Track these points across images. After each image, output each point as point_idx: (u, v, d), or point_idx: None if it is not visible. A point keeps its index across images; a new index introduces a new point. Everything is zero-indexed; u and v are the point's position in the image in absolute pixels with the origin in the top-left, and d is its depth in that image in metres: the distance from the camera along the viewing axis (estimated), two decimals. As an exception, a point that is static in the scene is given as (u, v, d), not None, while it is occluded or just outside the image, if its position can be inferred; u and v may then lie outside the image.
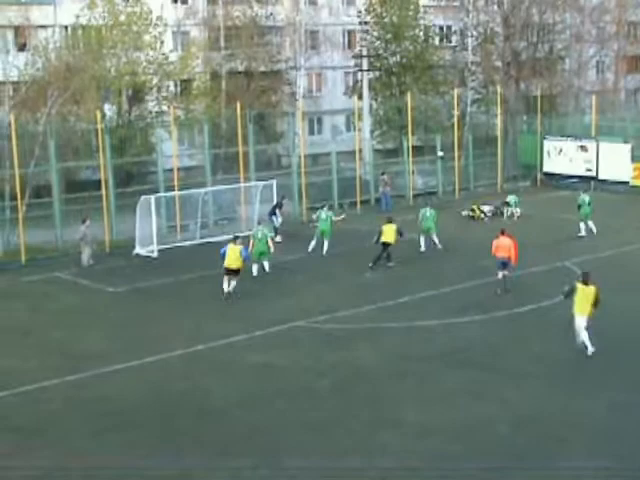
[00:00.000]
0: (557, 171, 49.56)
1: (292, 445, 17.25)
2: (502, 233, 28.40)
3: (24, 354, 23.35)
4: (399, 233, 31.56)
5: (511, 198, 41.85)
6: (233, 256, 27.98)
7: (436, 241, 34.12)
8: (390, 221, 31.92)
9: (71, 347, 23.88)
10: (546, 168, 50.30)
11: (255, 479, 16.11)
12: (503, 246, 27.93)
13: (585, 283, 21.56)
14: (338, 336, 24.09)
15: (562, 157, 49.44)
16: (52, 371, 21.68)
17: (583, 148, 48.53)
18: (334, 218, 34.52)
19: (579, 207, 36.14)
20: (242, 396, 19.89)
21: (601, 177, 47.53)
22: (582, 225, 35.90)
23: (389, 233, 31.41)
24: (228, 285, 28.09)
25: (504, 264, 27.83)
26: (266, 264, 30.95)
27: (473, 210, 41.26)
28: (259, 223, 32.46)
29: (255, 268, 30.62)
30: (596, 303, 21.38)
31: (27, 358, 22.97)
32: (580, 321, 21.51)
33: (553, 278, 28.67)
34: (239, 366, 21.94)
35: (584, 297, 21.41)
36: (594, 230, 35.95)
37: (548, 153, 50.10)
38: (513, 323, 24.77)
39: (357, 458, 16.56)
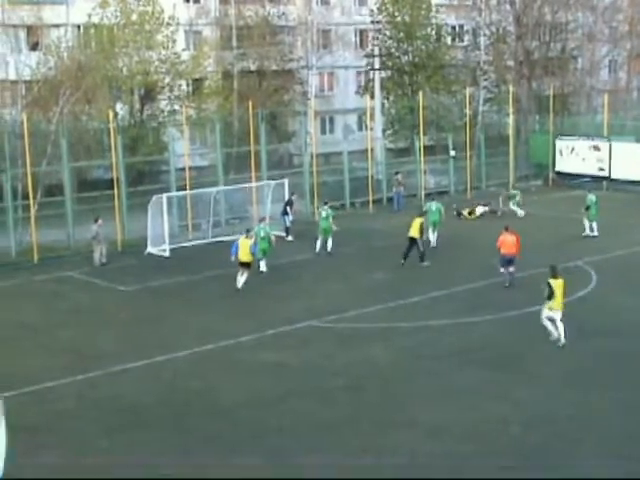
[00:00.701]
0: (569, 170, 49.32)
1: (304, 444, 17.21)
2: (506, 230, 28.65)
3: (35, 353, 23.43)
4: (420, 230, 31.28)
5: (514, 192, 41.84)
6: (244, 250, 28.44)
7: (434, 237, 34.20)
8: (421, 215, 31.88)
9: (82, 346, 23.93)
10: (558, 167, 50.09)
11: (266, 478, 16.11)
12: (507, 243, 28.09)
13: (554, 277, 22.09)
14: (350, 335, 24.07)
15: (574, 156, 49.20)
16: (63, 370, 21.71)
17: (595, 147, 48.30)
18: (330, 220, 34.02)
19: (587, 208, 36.00)
20: (253, 395, 19.88)
21: (614, 176, 47.30)
22: (594, 225, 35.84)
23: (413, 227, 31.10)
24: (241, 276, 28.51)
25: (509, 261, 28.02)
26: (262, 263, 30.90)
27: (459, 210, 41.20)
28: (262, 220, 32.50)
29: (263, 264, 30.68)
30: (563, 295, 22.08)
31: (38, 357, 23.04)
32: (548, 314, 22.03)
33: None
34: (250, 365, 21.94)
35: (556, 290, 21.89)
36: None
37: (560, 152, 49.91)
38: (524, 323, 24.62)
39: (369, 457, 16.51)
